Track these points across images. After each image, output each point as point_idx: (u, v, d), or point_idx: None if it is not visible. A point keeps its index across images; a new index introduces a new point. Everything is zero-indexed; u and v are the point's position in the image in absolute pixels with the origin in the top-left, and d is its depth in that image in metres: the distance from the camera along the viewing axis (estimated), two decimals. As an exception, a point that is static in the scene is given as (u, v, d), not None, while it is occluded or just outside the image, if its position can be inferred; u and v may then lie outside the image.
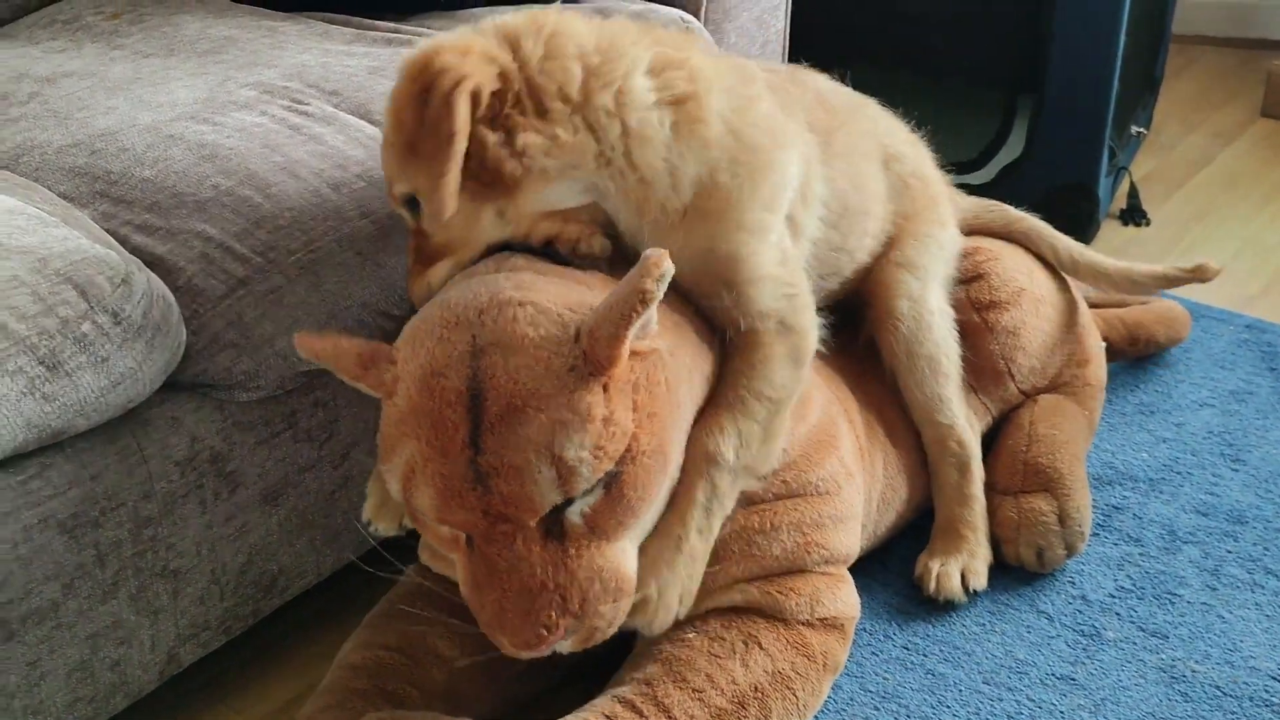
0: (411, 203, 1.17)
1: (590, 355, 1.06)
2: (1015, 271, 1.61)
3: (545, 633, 1.09)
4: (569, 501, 1.08)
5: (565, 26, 1.18)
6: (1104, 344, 1.76)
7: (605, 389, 1.07)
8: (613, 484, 1.09)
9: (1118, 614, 1.48)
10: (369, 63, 1.55)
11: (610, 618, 1.13)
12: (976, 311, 1.57)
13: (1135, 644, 1.43)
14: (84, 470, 1.16)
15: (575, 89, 1.15)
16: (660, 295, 1.05)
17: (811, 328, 1.28)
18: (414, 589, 1.33)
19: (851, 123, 1.46)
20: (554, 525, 1.09)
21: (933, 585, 1.47)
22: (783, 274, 1.24)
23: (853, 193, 1.41)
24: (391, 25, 1.70)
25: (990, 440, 1.61)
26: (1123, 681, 1.38)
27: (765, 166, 1.22)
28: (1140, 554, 1.57)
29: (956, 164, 2.20)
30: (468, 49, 1.13)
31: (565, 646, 1.12)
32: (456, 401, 1.06)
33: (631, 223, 1.20)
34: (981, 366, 1.57)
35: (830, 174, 1.36)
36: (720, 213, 1.20)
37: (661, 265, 1.05)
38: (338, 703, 1.23)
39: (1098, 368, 1.71)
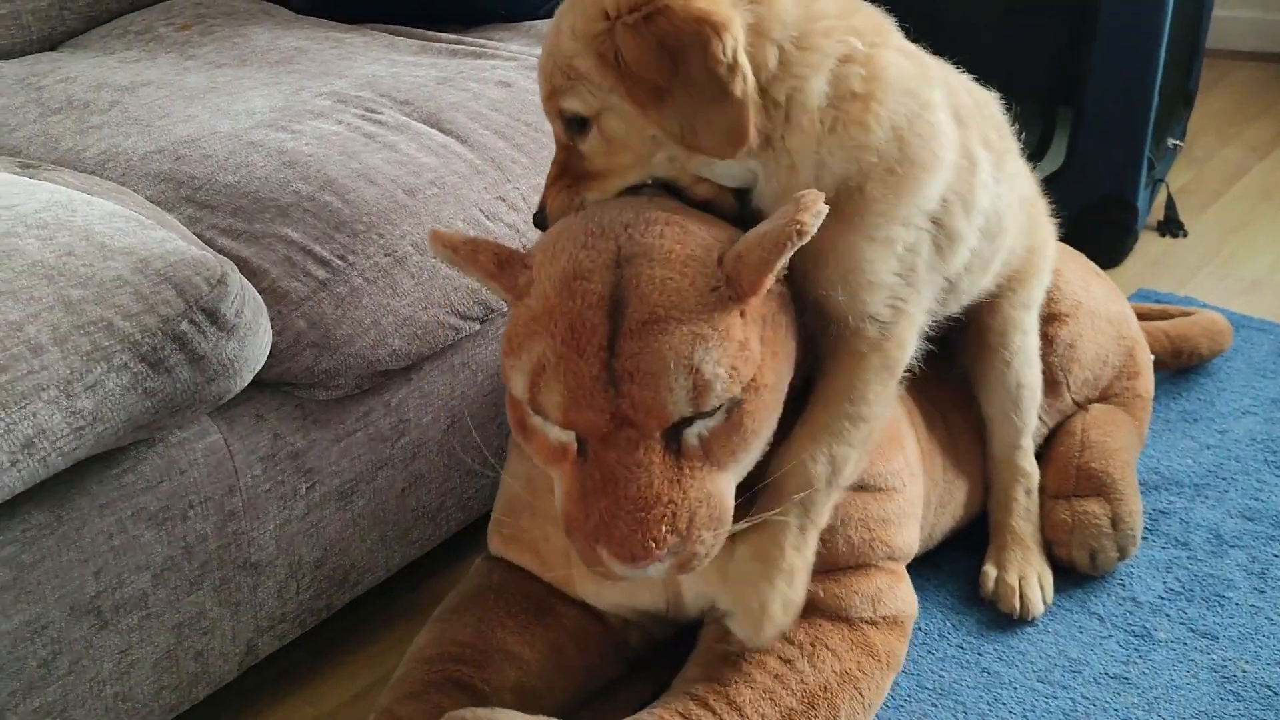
0: (576, 123, 1.15)
1: (734, 280, 1.08)
2: (1075, 285, 1.64)
3: (653, 545, 1.08)
4: (692, 420, 1.09)
5: None
6: (1152, 357, 1.79)
7: (742, 314, 1.09)
8: (733, 411, 1.10)
9: (1168, 615, 1.50)
10: (437, 73, 1.60)
11: (709, 546, 1.13)
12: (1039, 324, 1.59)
13: (1186, 644, 1.46)
14: (174, 465, 1.21)
15: (766, 76, 1.12)
16: (814, 231, 1.07)
17: (910, 342, 1.27)
18: (482, 586, 1.37)
19: (1014, 152, 1.43)
20: (673, 442, 1.10)
21: (1017, 603, 1.49)
22: (897, 284, 1.22)
23: (1006, 215, 1.38)
24: (455, 37, 1.75)
25: (1042, 446, 1.64)
26: (1175, 681, 1.41)
27: (915, 183, 1.19)
28: (1188, 557, 1.60)
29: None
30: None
31: (662, 570, 1.12)
32: (598, 305, 1.07)
33: (770, 200, 1.19)
34: None
35: (999, 191, 1.33)
36: (856, 219, 1.18)
37: (817, 204, 1.06)
38: (414, 694, 1.26)
39: (1147, 380, 1.74)
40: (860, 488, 1.33)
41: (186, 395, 1.14)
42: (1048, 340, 1.60)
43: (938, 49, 2.50)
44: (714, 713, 1.22)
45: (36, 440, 1.02)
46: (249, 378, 1.21)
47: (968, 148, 1.27)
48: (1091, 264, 1.78)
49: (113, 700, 1.21)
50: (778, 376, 1.14)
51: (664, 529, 1.09)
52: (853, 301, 1.22)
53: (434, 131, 1.47)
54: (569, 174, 1.18)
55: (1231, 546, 1.61)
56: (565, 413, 1.09)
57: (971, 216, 1.28)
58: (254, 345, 1.20)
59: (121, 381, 1.08)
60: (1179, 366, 1.95)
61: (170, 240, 1.17)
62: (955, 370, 1.54)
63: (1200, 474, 1.75)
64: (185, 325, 1.12)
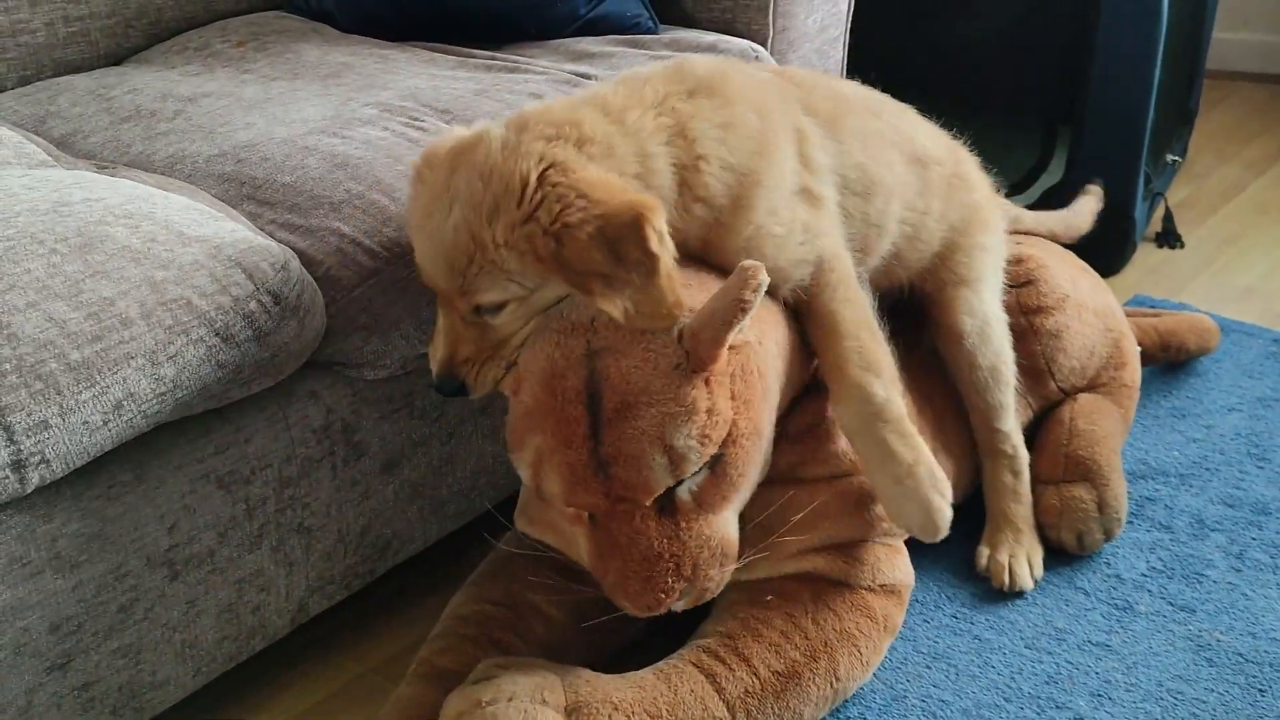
0: (491, 308, 1.24)
1: (693, 354, 1.21)
2: (1061, 279, 1.75)
3: (663, 596, 1.25)
4: (679, 482, 1.23)
5: (591, 135, 1.25)
6: (1139, 349, 1.90)
7: (707, 383, 1.21)
8: (716, 465, 1.24)
9: (1149, 591, 1.61)
10: (473, 86, 1.73)
11: (718, 580, 1.29)
12: (1024, 315, 1.70)
13: (1165, 616, 1.57)
14: (239, 433, 1.34)
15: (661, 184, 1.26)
16: (757, 304, 1.19)
17: (835, 253, 1.37)
18: (512, 554, 1.49)
19: (866, 112, 1.51)
20: (667, 502, 1.24)
21: (1006, 578, 1.60)
22: (800, 252, 1.34)
23: (875, 167, 1.46)
24: (488, 53, 1.88)
25: (1031, 434, 1.75)
26: (1154, 648, 1.52)
27: (755, 188, 1.30)
28: (1170, 539, 1.71)
29: (1005, 188, 2.37)
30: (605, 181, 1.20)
31: (680, 606, 1.27)
32: (576, 399, 1.21)
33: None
34: (1025, 366, 1.70)
35: (842, 149, 1.43)
36: (727, 245, 1.31)
37: (758, 276, 1.18)
38: (450, 647, 1.38)
39: (1133, 370, 1.85)
40: (860, 471, 1.44)
41: (253, 368, 1.27)
42: (1033, 330, 1.72)
43: (942, 72, 2.62)
44: (724, 663, 1.33)
45: (125, 403, 1.16)
46: (306, 355, 1.34)
47: (792, 125, 1.38)
48: (1079, 261, 1.89)
49: (180, 646, 1.33)
50: (754, 423, 1.27)
51: (670, 580, 1.25)
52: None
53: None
54: (477, 344, 1.27)
55: (1212, 530, 1.72)
56: (566, 498, 1.25)
57: (818, 173, 1.38)
58: (311, 325, 1.33)
59: (198, 353, 1.21)
60: (1167, 360, 2.06)
61: (239, 230, 1.30)
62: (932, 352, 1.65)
63: (1186, 465, 1.86)
64: (253, 305, 1.25)
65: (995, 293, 1.64)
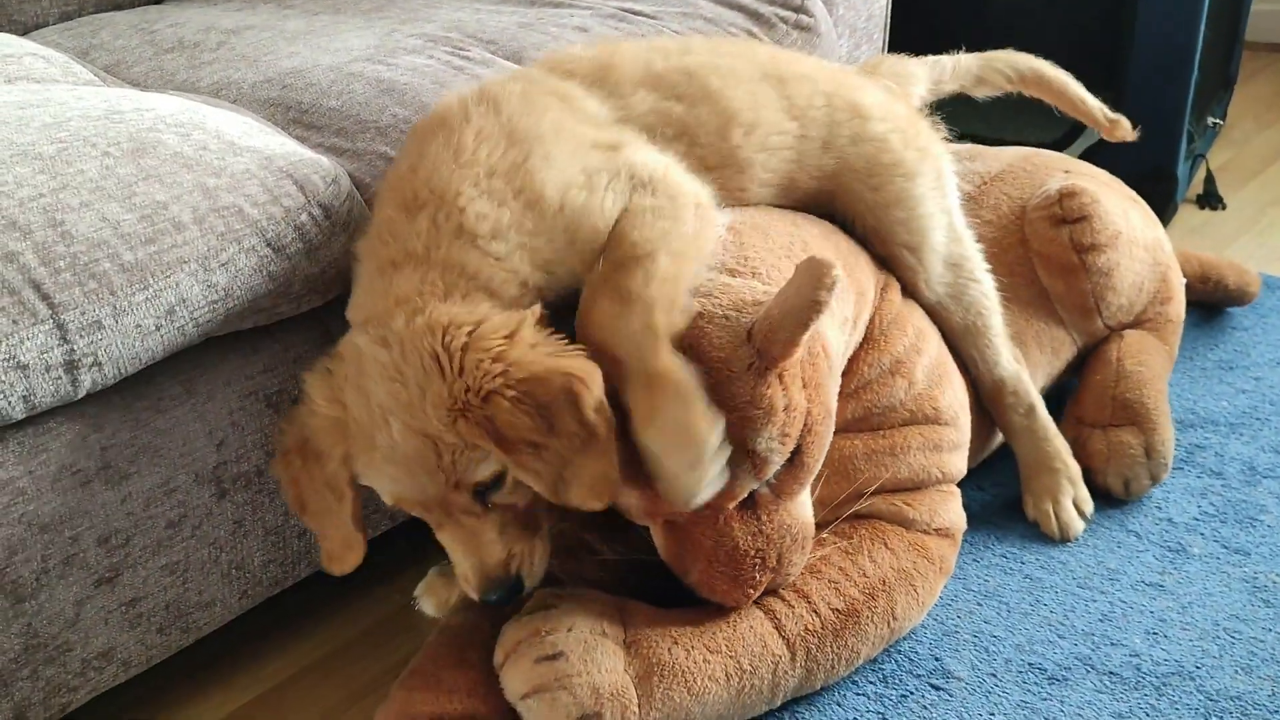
0: (491, 485, 1.16)
1: (765, 353, 1.16)
2: (1115, 214, 1.70)
3: (751, 591, 1.25)
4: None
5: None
6: (1184, 280, 1.86)
7: (781, 378, 1.17)
8: (795, 456, 1.21)
9: (1202, 534, 1.59)
10: (518, 19, 1.72)
11: (800, 565, 1.29)
12: (1076, 253, 1.66)
13: (1219, 559, 1.54)
14: (287, 353, 1.32)
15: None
16: (832, 303, 1.13)
17: (671, 181, 1.24)
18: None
19: (650, 53, 1.40)
20: (748, 498, 1.22)
21: (1054, 527, 1.57)
22: (599, 182, 1.22)
23: (679, 107, 1.36)
24: (533, -8, 1.87)
25: (1076, 370, 1.72)
26: (1208, 589, 1.49)
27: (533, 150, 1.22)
28: (1222, 485, 1.68)
29: (1044, 145, 2.34)
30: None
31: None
32: None
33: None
34: (1073, 303, 1.68)
35: (622, 101, 1.34)
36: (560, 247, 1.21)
37: (831, 273, 1.10)
38: (501, 580, 1.37)
39: (1179, 304, 1.81)
40: (918, 420, 1.42)
41: (303, 282, 1.25)
42: (1084, 268, 1.67)
43: (986, 31, 2.59)
44: (784, 600, 1.31)
45: (178, 308, 1.14)
46: (354, 274, 1.33)
47: (549, 94, 1.30)
48: (1129, 191, 1.85)
49: (227, 567, 1.32)
50: (825, 405, 1.24)
51: (758, 575, 1.24)
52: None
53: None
54: (504, 537, 1.19)
55: (1265, 477, 1.69)
56: (646, 510, 1.22)
57: (602, 126, 1.30)
58: (360, 244, 1.31)
59: (250, 263, 1.19)
60: (1206, 294, 2.02)
61: (289, 143, 1.29)
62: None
63: (1235, 415, 1.83)
64: (304, 217, 1.24)
65: (945, 239, 1.52)
